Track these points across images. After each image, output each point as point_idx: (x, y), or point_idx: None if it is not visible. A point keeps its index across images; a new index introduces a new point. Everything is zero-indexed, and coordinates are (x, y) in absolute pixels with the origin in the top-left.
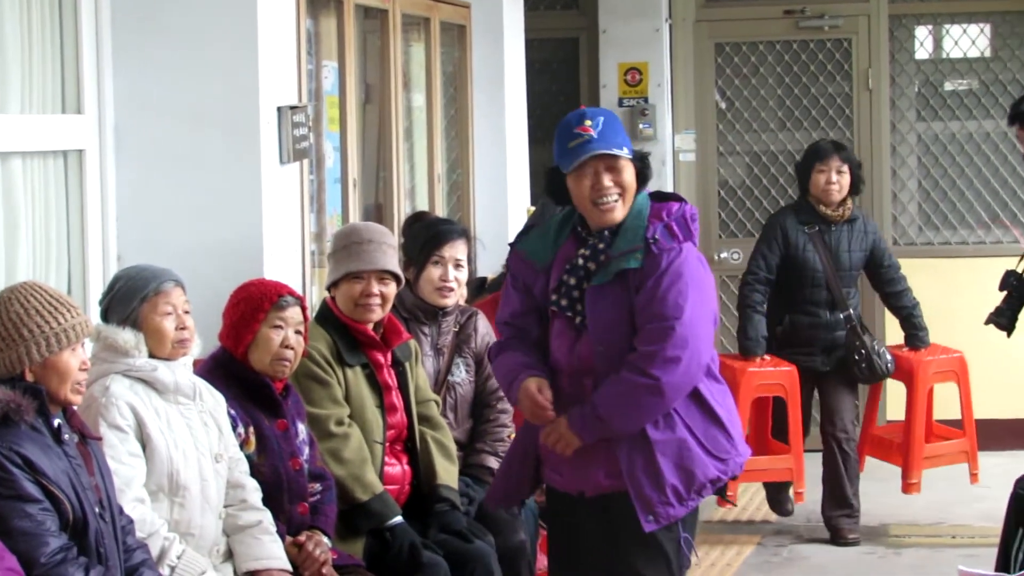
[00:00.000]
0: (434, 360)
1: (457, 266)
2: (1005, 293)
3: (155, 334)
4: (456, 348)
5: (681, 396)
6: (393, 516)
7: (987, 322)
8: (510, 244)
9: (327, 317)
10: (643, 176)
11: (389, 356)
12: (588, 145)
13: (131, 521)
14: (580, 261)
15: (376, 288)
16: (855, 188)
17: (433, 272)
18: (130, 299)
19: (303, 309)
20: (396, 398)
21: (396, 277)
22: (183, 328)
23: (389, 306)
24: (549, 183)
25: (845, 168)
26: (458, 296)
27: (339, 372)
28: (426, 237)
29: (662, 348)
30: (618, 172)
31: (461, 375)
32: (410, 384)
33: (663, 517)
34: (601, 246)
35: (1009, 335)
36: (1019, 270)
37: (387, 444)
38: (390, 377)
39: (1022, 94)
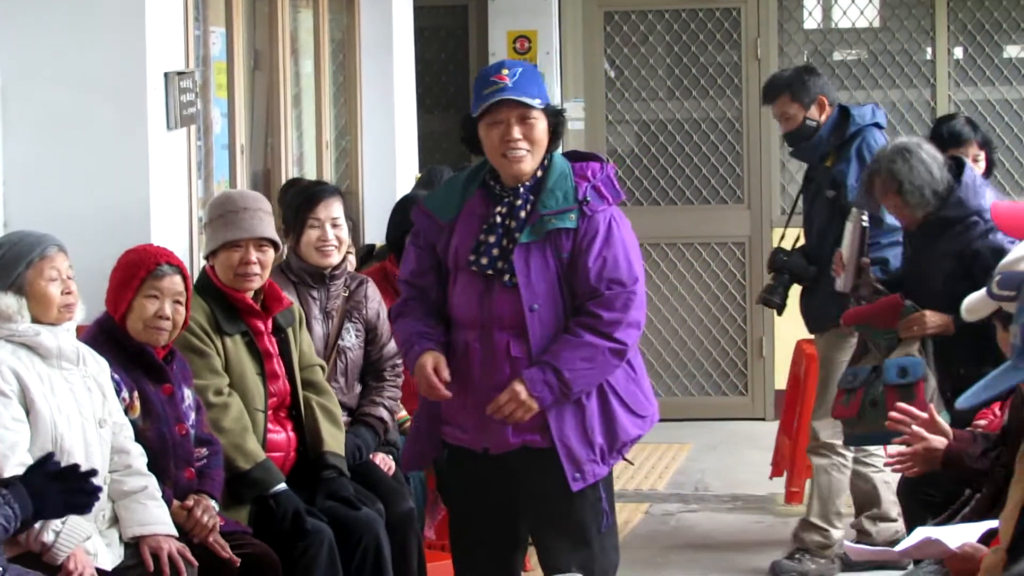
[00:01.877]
0: (323, 324)
1: (334, 225)
2: (774, 272)
3: (41, 299)
4: (346, 313)
5: None
6: (276, 484)
7: (758, 301)
8: (414, 202)
9: (205, 286)
10: (556, 133)
11: (270, 323)
12: (500, 92)
13: None
14: (498, 219)
15: (254, 256)
16: (988, 173)
17: (312, 234)
18: (14, 265)
19: (185, 278)
20: (277, 365)
21: (274, 243)
22: (68, 293)
23: (268, 273)
24: (464, 131)
25: (981, 155)
26: (341, 254)
27: (218, 342)
28: (299, 201)
29: (626, 314)
30: (529, 125)
31: (351, 340)
32: (293, 351)
33: (590, 475)
34: (519, 203)
35: (780, 313)
36: (787, 247)
37: (270, 411)
38: (271, 344)
39: (909, 65)
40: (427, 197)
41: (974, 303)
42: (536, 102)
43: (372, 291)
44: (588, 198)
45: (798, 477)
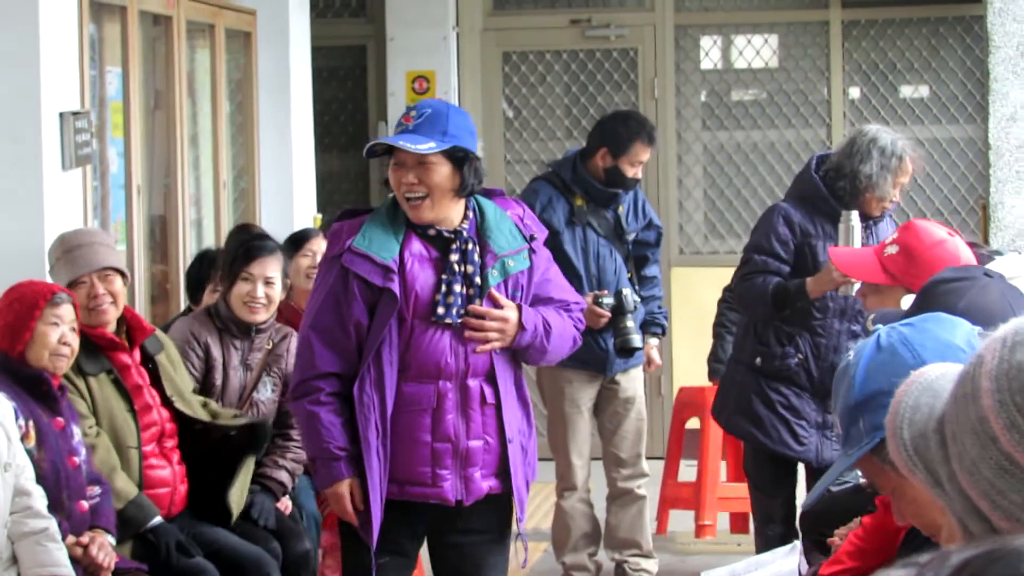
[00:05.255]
0: (241, 375)
1: (267, 283)
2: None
3: None
4: (265, 366)
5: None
6: (151, 519)
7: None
8: (335, 252)
9: None
10: (464, 173)
11: (137, 354)
12: (395, 136)
13: None
14: (457, 268)
15: (100, 288)
16: None
17: (242, 288)
18: None
19: (75, 308)
20: (150, 396)
21: (120, 272)
22: None
23: (122, 301)
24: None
25: None
26: (269, 312)
27: (80, 383)
28: (237, 252)
29: (580, 328)
30: (425, 169)
31: (267, 393)
32: (172, 376)
33: (522, 516)
34: (470, 246)
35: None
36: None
37: (152, 445)
38: (140, 376)
39: (805, 105)
40: (356, 241)
41: (884, 319)
42: (426, 146)
43: (295, 344)
44: (535, 235)
45: (708, 511)
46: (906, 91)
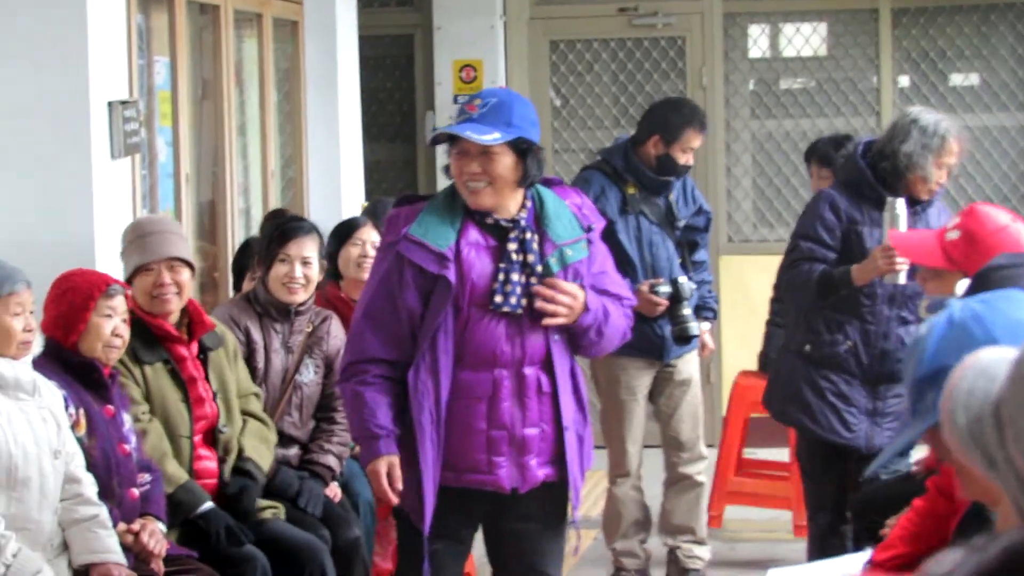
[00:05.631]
0: (283, 357)
1: (304, 263)
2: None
3: (3, 333)
4: (307, 348)
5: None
6: (201, 504)
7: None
8: (391, 239)
9: None
10: (527, 164)
11: (195, 347)
12: (459, 125)
13: None
14: (515, 256)
15: (167, 277)
16: None
17: (280, 269)
18: None
19: (127, 298)
20: (203, 389)
21: (188, 264)
22: (29, 330)
23: (187, 294)
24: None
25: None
26: (308, 293)
27: (136, 370)
28: (273, 235)
29: (630, 322)
30: (489, 159)
31: (309, 375)
32: (227, 372)
33: (577, 504)
34: (528, 236)
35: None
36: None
37: (199, 436)
38: (196, 369)
39: (854, 93)
40: (412, 228)
41: (939, 307)
42: (490, 137)
43: (336, 327)
44: (592, 226)
45: (717, 500)
46: (956, 79)
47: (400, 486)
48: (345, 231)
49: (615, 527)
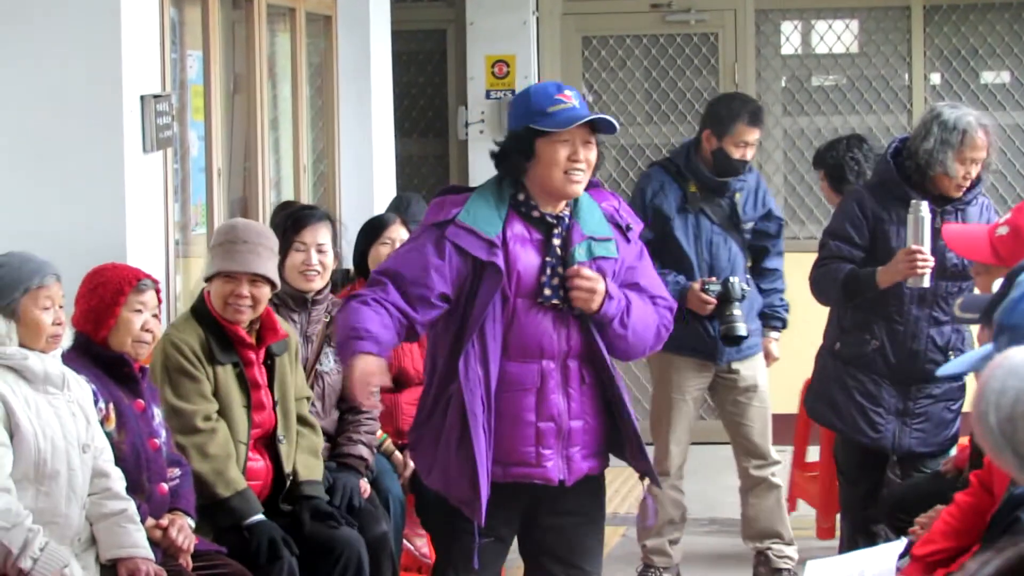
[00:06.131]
0: (303, 348)
1: (320, 250)
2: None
3: (32, 327)
4: (326, 338)
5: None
6: (253, 514)
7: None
8: (435, 220)
9: (201, 312)
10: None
11: (262, 353)
12: (577, 111)
13: None
14: (557, 250)
15: (246, 291)
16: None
17: (296, 258)
18: (12, 289)
19: (157, 293)
20: (265, 396)
21: (270, 281)
22: (59, 324)
23: (262, 308)
24: (518, 143)
25: None
26: (325, 280)
27: (209, 369)
28: (287, 224)
29: (671, 324)
30: (590, 149)
31: (330, 364)
32: (288, 379)
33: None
34: (558, 229)
35: None
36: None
37: (252, 441)
38: (260, 375)
39: (886, 90)
40: (460, 215)
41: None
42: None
43: None
44: (631, 225)
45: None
46: (987, 76)
47: (385, 382)
48: (374, 229)
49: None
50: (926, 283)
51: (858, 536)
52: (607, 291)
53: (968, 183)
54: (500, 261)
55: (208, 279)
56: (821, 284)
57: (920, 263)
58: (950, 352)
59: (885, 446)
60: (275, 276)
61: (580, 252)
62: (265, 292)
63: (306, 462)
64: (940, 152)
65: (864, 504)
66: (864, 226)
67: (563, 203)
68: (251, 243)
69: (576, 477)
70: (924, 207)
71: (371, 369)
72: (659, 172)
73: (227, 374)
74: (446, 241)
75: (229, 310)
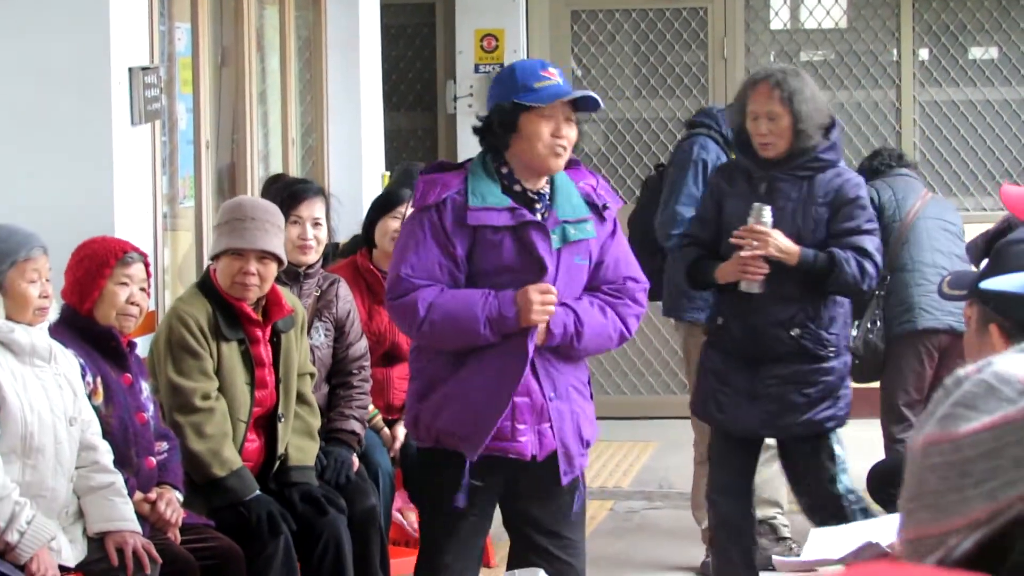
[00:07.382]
0: None
1: (315, 224)
2: None
3: (19, 299)
4: (316, 312)
5: None
6: (250, 493)
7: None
8: (430, 202)
9: (208, 288)
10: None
11: (268, 330)
12: (562, 88)
13: None
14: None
15: (254, 267)
16: None
17: (292, 231)
18: None
19: (146, 266)
20: (268, 374)
21: (277, 258)
22: (45, 296)
23: (268, 285)
24: (501, 117)
25: None
26: (319, 253)
27: (213, 345)
28: (282, 197)
29: (640, 307)
30: (571, 127)
31: (320, 338)
32: (293, 356)
33: (578, 469)
34: (539, 205)
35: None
36: None
37: (251, 420)
38: (266, 353)
39: (874, 66)
40: (471, 200)
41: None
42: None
43: (344, 291)
44: (607, 204)
45: None
46: (976, 52)
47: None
48: (387, 203)
49: (700, 502)
50: (758, 289)
51: (722, 530)
52: (549, 328)
53: (769, 142)
54: (529, 215)
55: (215, 257)
56: (678, 267)
57: (752, 270)
58: (794, 329)
59: (729, 428)
60: (283, 253)
61: (554, 239)
62: (272, 269)
63: (299, 444)
64: (730, 109)
65: (734, 490)
66: (711, 205)
67: (544, 179)
68: (259, 220)
69: (546, 452)
70: (767, 212)
71: (535, 288)
72: (712, 145)
73: (232, 351)
74: (440, 227)
75: (236, 287)
